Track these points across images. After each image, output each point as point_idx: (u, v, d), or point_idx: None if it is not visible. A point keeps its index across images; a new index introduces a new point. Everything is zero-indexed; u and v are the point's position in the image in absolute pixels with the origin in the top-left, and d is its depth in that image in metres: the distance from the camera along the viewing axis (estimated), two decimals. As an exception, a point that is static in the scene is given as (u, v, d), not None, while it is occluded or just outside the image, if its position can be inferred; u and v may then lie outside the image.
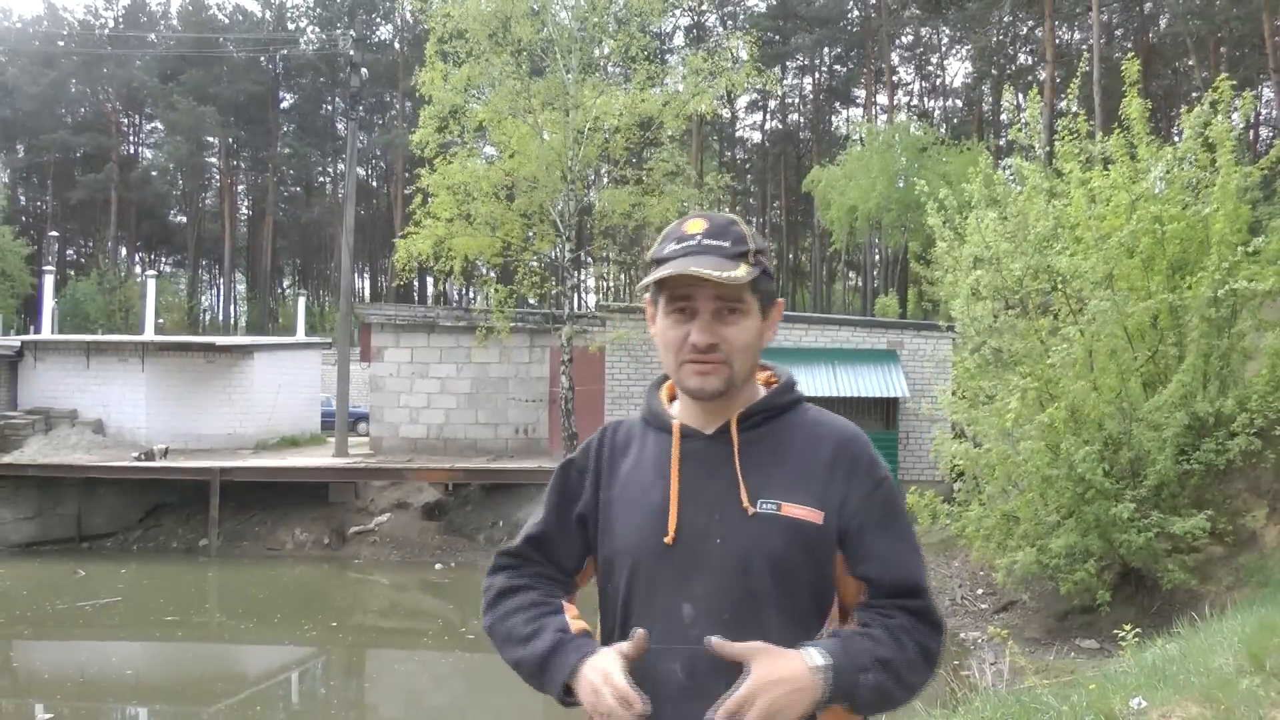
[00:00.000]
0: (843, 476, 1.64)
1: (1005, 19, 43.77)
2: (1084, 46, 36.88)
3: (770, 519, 1.60)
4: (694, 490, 1.65)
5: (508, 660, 1.70)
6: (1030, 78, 42.43)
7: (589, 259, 29.73)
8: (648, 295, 1.73)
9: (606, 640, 1.69)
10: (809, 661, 1.50)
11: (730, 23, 51.46)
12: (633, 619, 1.65)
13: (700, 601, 1.60)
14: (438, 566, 17.33)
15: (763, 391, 1.76)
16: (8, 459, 19.57)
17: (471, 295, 51.26)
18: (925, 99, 55.77)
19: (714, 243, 1.63)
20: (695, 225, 1.67)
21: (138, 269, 59.43)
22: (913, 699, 1.62)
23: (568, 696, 1.60)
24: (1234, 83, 10.97)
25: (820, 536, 1.61)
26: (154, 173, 60.47)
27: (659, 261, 1.66)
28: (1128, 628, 7.32)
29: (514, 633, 1.69)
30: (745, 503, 1.61)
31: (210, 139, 57.51)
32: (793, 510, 1.61)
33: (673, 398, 1.80)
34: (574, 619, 1.69)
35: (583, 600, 1.82)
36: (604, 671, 1.54)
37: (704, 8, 49.66)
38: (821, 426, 1.71)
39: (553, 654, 1.62)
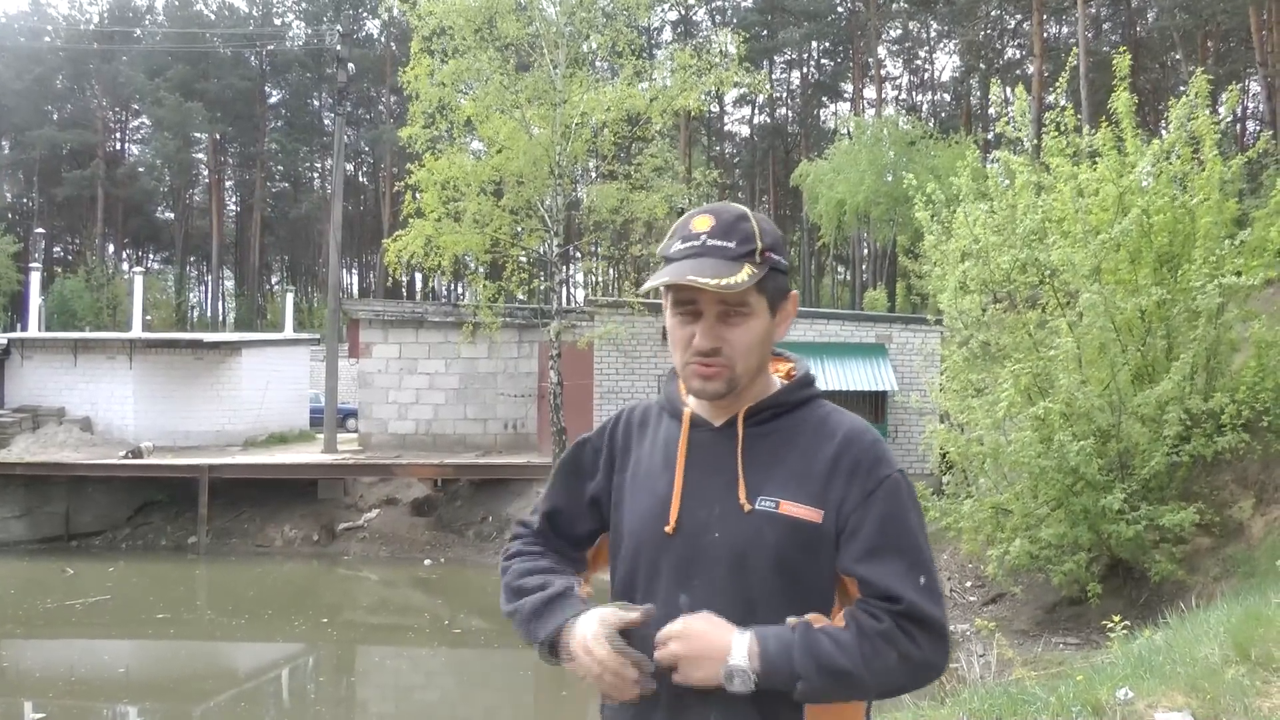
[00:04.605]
0: (845, 475, 1.62)
1: (993, 13, 43.85)
2: (1072, 40, 36.98)
3: (767, 517, 1.60)
4: (697, 483, 1.66)
5: (506, 610, 1.72)
6: (1018, 72, 42.54)
7: (577, 254, 29.75)
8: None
9: None
10: (732, 657, 1.51)
11: (718, 17, 51.40)
12: (636, 600, 1.67)
13: (696, 593, 1.61)
14: (427, 562, 17.32)
15: (778, 384, 1.74)
16: (-5, 457, 19.50)
17: (460, 291, 51.16)
18: (913, 93, 55.90)
19: (718, 243, 1.61)
20: (702, 223, 1.64)
21: (125, 266, 59.02)
22: (888, 695, 1.63)
23: (551, 652, 1.63)
24: (1210, 78, 11.01)
25: (819, 536, 1.60)
26: (141, 169, 60.12)
27: (667, 259, 1.65)
28: (1116, 619, 7.34)
29: (525, 585, 1.71)
30: (743, 499, 1.62)
31: (197, 135, 57.15)
32: (791, 509, 1.60)
33: None
34: (584, 590, 1.72)
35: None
36: (597, 632, 1.57)
37: (691, 2, 49.58)
38: (830, 424, 1.68)
39: (557, 599, 1.66)
